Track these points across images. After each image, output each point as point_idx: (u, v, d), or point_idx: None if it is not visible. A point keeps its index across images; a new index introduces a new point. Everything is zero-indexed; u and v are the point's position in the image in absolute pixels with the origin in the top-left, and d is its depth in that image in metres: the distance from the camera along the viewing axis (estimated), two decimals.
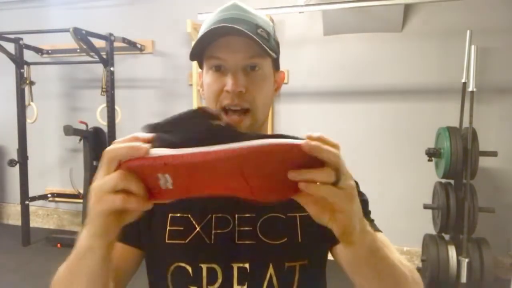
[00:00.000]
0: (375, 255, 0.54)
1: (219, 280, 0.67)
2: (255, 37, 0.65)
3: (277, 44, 0.75)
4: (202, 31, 0.71)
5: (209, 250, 0.69)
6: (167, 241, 0.70)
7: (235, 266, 0.68)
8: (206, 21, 0.72)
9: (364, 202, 0.77)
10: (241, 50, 0.67)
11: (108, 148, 0.47)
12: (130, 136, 0.47)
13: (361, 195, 0.77)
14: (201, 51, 0.70)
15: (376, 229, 0.75)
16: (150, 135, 0.48)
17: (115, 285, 0.63)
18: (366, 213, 0.77)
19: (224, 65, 0.69)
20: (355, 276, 0.60)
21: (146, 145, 0.46)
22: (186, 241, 0.69)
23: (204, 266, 0.68)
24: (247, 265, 0.68)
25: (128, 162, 0.45)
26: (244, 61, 0.68)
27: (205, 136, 0.46)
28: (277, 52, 0.74)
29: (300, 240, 0.70)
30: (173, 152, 0.45)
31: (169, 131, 0.48)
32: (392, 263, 0.58)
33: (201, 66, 0.75)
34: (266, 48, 0.66)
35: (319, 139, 0.44)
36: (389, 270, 0.58)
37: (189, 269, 0.68)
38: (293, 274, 0.69)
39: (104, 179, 0.46)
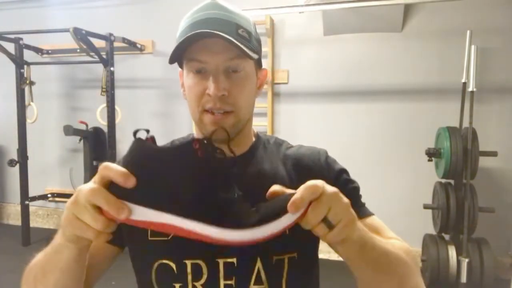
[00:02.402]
0: (365, 249, 0.57)
1: (205, 276, 0.66)
2: (235, 41, 0.64)
3: (259, 42, 0.74)
4: (180, 30, 0.69)
5: (193, 246, 0.66)
6: (150, 238, 0.69)
7: (221, 261, 0.67)
8: (185, 20, 0.70)
9: (355, 189, 0.77)
10: (221, 52, 0.66)
11: (106, 166, 0.48)
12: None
13: (351, 182, 0.78)
14: (180, 53, 0.68)
15: (368, 213, 0.76)
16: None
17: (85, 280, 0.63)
18: (358, 198, 0.77)
19: (205, 67, 0.67)
20: (352, 269, 0.61)
21: (127, 210, 0.47)
22: (169, 237, 0.67)
23: (188, 262, 0.67)
24: (234, 260, 0.67)
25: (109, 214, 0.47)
26: (225, 63, 0.67)
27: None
28: (259, 51, 0.73)
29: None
30: (153, 219, 0.48)
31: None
32: (384, 251, 0.60)
33: (181, 66, 0.74)
34: (247, 51, 0.65)
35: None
36: (383, 259, 0.59)
37: (173, 265, 0.67)
38: (281, 267, 0.68)
39: (89, 187, 0.48)
